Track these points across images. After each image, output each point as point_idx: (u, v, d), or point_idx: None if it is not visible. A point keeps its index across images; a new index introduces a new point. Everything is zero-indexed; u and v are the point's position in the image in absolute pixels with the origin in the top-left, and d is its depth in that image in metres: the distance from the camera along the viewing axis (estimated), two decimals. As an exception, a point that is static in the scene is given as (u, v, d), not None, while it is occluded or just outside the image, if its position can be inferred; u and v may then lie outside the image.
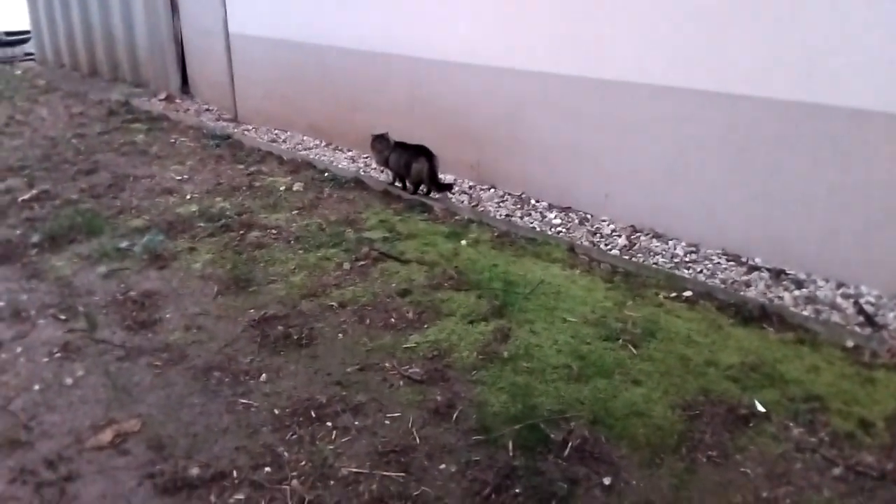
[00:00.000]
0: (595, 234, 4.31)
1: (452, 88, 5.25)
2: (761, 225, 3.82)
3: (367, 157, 5.99)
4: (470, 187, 5.15)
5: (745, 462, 2.25)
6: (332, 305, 3.25)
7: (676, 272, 3.69)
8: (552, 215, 4.60)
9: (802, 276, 3.66)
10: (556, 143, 4.68)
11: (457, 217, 4.38)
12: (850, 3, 3.31)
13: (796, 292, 3.53)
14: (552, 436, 2.31)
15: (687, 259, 3.92)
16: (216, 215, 4.33)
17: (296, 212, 4.48)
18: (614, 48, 4.23)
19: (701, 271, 3.77)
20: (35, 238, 3.89)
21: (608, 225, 4.40)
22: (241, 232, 4.10)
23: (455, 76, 5.19)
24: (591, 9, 4.27)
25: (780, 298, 3.46)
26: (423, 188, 4.77)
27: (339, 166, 5.64)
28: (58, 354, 2.81)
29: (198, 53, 8.19)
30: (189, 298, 3.33)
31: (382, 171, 5.42)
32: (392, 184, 4.98)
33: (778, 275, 3.69)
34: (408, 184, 4.84)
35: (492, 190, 5.08)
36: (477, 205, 4.79)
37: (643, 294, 3.35)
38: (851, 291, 3.49)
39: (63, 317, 3.11)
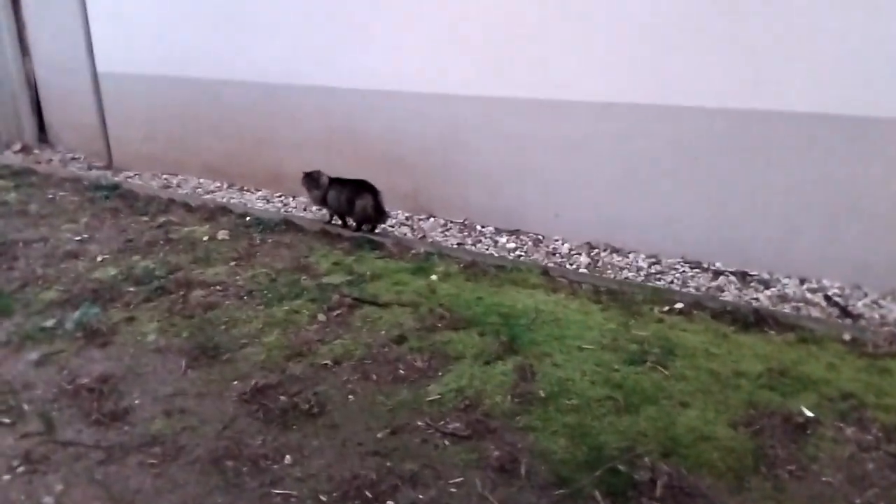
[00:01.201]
0: (554, 254, 4.26)
1: (376, 117, 5.03)
2: (718, 230, 3.95)
3: (280, 196, 5.62)
4: (407, 218, 4.94)
5: (823, 471, 2.23)
6: (326, 364, 2.91)
7: (656, 285, 3.70)
8: (504, 240, 4.50)
9: (766, 275, 3.81)
10: (497, 166, 4.60)
11: (413, 251, 4.15)
12: (792, 11, 3.49)
13: (766, 292, 3.65)
14: (636, 477, 2.17)
15: (653, 271, 3.96)
16: (144, 277, 3.81)
17: (233, 263, 4.04)
18: (553, 68, 4.22)
19: (672, 282, 3.81)
20: (-72, 328, 3.21)
21: (563, 244, 4.37)
22: (182, 293, 3.62)
23: (378, 104, 4.98)
24: (526, 30, 4.24)
25: (757, 300, 3.57)
26: (366, 225, 4.48)
27: (258, 208, 5.22)
28: (21, 468, 2.27)
29: (57, 97, 7.33)
30: (154, 377, 2.85)
31: (305, 209, 5.10)
32: (328, 222, 4.65)
33: (743, 277, 3.81)
34: (350, 221, 4.55)
35: (432, 219, 4.90)
36: (424, 236, 4.59)
37: (639, 311, 3.32)
38: (815, 286, 3.67)
39: (7, 420, 2.54)
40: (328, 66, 5.17)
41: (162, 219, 4.92)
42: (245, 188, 5.89)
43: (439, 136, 4.78)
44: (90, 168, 6.86)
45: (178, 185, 6.11)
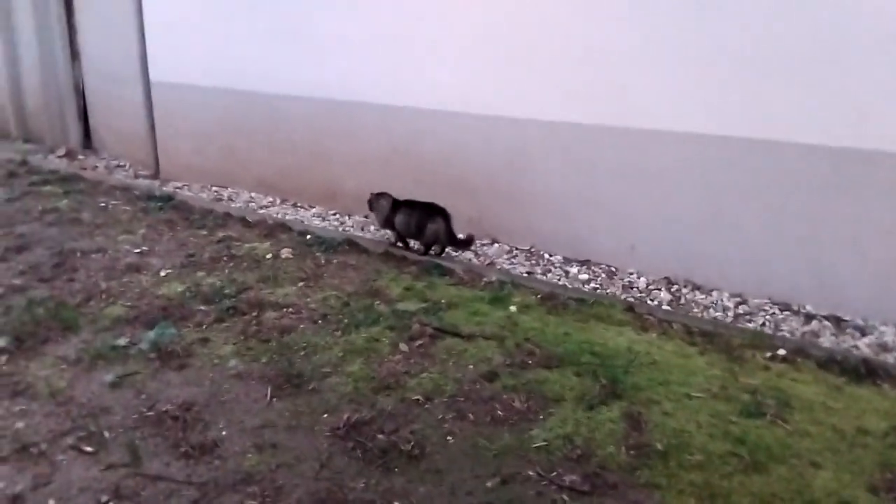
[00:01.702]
0: (631, 288, 4.09)
1: (440, 138, 4.91)
2: (809, 271, 3.77)
3: (335, 214, 5.49)
4: (471, 243, 4.79)
5: (983, 550, 2.05)
6: (418, 399, 2.76)
7: (751, 328, 3.53)
8: (574, 270, 4.34)
9: (860, 321, 3.63)
10: (569, 193, 4.45)
11: (486, 279, 4.00)
12: (901, 51, 3.35)
13: (864, 340, 3.47)
14: (784, 547, 2.00)
15: (741, 311, 3.78)
16: (212, 295, 3.68)
17: (302, 284, 3.91)
18: (634, 95, 4.08)
19: (763, 324, 3.64)
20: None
21: (639, 278, 4.20)
22: (255, 314, 3.48)
23: (443, 125, 4.86)
24: (606, 56, 4.11)
25: (856, 348, 3.39)
26: (435, 249, 4.35)
27: (317, 226, 5.09)
28: (110, 505, 2.13)
29: (105, 103, 7.28)
30: (238, 406, 2.71)
31: (363, 229, 4.98)
32: (394, 244, 4.51)
33: (838, 322, 3.63)
34: (417, 245, 4.41)
35: (496, 245, 4.76)
36: (492, 263, 4.44)
37: (741, 357, 3.15)
38: (916, 335, 3.48)
39: (89, 448, 2.40)
40: (391, 84, 5.06)
41: (221, 234, 4.80)
42: (298, 204, 5.76)
43: (506, 160, 4.65)
44: (136, 176, 6.77)
45: (230, 199, 6.00)
